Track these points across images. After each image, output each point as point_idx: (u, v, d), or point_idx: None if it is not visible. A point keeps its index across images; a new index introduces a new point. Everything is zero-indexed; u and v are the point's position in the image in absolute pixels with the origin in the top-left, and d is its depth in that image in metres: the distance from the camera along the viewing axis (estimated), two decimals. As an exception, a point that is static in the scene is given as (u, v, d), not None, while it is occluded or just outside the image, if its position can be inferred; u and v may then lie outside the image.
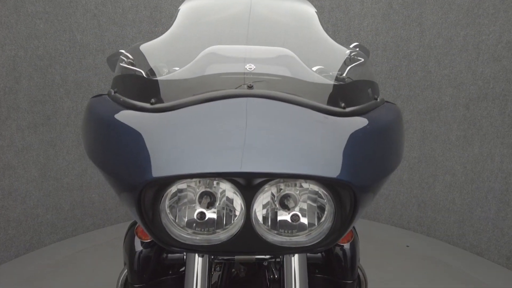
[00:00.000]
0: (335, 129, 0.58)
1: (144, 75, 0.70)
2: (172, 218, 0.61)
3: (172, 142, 0.54)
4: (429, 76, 2.52)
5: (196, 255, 0.80)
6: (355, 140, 0.58)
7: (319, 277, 0.99)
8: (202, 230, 0.63)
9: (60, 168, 2.50)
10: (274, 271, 1.13)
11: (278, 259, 0.92)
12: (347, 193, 0.58)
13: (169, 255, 0.97)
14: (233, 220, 0.62)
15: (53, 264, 2.20)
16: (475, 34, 2.24)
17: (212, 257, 0.89)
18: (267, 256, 0.93)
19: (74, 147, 2.56)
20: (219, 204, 0.62)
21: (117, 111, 0.63)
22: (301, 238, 0.64)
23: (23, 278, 2.03)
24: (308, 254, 0.99)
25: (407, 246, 2.49)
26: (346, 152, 0.56)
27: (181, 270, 0.99)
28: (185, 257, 0.97)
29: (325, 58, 0.80)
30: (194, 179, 0.58)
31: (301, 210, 0.63)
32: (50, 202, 2.45)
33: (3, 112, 2.16)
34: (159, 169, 0.53)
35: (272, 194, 0.63)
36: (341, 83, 0.72)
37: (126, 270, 0.96)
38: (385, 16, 2.71)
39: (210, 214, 0.61)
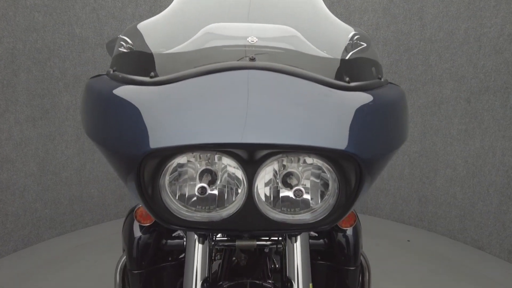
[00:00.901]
0: (340, 102, 0.57)
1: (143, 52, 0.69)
2: (172, 195, 0.60)
3: (172, 114, 0.53)
4: (430, 70, 2.51)
5: (196, 241, 0.79)
6: (360, 113, 0.56)
7: (322, 263, 0.98)
8: (203, 208, 0.61)
9: (59, 162, 2.48)
10: (275, 261, 1.11)
11: (279, 246, 0.91)
12: (352, 167, 0.56)
13: (169, 241, 0.95)
14: (235, 197, 0.61)
15: (51, 259, 2.18)
16: (477, 27, 2.23)
17: (213, 243, 0.88)
18: (268, 242, 0.91)
19: (73, 141, 2.55)
20: (220, 182, 0.61)
21: (116, 87, 0.62)
22: (304, 216, 0.62)
23: (22, 272, 2.01)
24: (310, 240, 0.98)
25: (408, 240, 2.48)
26: (351, 124, 0.54)
27: (180, 257, 0.98)
28: (185, 243, 0.96)
29: (329, 37, 0.79)
30: (194, 153, 0.57)
31: (304, 187, 0.62)
32: (48, 197, 2.44)
33: (1, 105, 2.14)
34: (158, 140, 0.51)
35: (275, 172, 0.61)
36: (346, 58, 0.70)
37: (124, 257, 0.95)
38: (386, 10, 2.70)
39: (211, 191, 0.59)
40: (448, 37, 2.39)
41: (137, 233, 0.93)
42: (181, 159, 0.57)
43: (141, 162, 0.53)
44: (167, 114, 0.53)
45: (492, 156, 2.20)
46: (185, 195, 0.61)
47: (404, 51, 2.64)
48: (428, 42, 2.51)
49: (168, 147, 0.51)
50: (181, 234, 0.97)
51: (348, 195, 0.59)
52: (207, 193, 0.57)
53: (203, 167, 0.59)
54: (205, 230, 0.64)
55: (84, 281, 1.92)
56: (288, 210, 0.62)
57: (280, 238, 0.89)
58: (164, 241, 0.95)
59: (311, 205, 0.62)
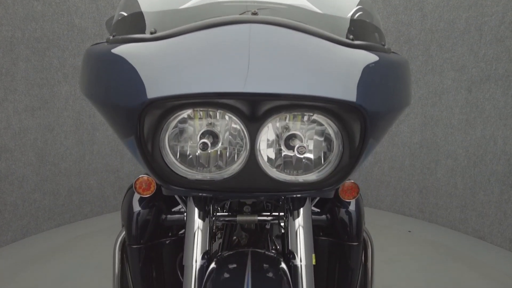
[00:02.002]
0: (345, 56, 0.55)
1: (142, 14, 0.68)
2: (173, 154, 0.59)
3: (172, 65, 0.52)
4: (431, 60, 2.50)
5: (196, 216, 0.78)
6: (366, 68, 0.55)
7: (324, 239, 0.96)
8: (205, 169, 0.60)
9: (58, 153, 2.46)
10: (276, 243, 1.10)
11: (281, 221, 0.89)
12: (356, 124, 0.55)
13: (168, 216, 0.94)
14: (236, 157, 0.60)
15: (50, 249, 2.16)
16: (478, 15, 2.22)
17: (213, 218, 0.86)
18: (270, 218, 0.90)
19: (72, 132, 2.53)
20: (221, 143, 0.59)
21: (115, 47, 0.61)
22: (307, 177, 0.61)
23: (20, 262, 2.00)
24: (312, 216, 0.96)
25: (409, 231, 2.46)
26: (357, 77, 0.53)
27: (180, 232, 0.96)
28: (185, 218, 0.95)
29: (335, 2, 0.77)
30: (195, 109, 0.55)
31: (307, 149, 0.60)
32: (47, 187, 2.42)
33: (0, 94, 2.13)
34: (158, 90, 0.50)
35: (277, 134, 0.60)
36: (350, 18, 0.69)
37: (123, 232, 0.93)
38: (386, 1, 2.69)
39: (213, 149, 0.58)
40: (449, 27, 2.38)
41: (137, 208, 0.92)
42: (182, 115, 0.56)
43: (141, 114, 0.52)
44: (167, 65, 0.52)
45: (493, 145, 2.19)
46: (186, 154, 0.59)
47: (405, 42, 2.64)
48: (429, 32, 2.50)
49: (168, 96, 0.49)
50: (181, 210, 0.95)
51: (351, 154, 0.58)
52: (208, 149, 0.55)
53: (204, 128, 0.58)
54: (206, 191, 0.62)
55: (82, 270, 1.90)
56: (291, 171, 0.61)
57: (281, 214, 0.88)
58: (163, 216, 0.93)
59: (314, 165, 0.61)
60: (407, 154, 2.70)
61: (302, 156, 0.59)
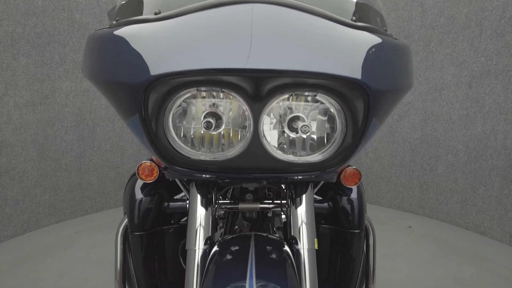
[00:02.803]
0: (348, 36, 0.55)
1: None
2: (176, 134, 0.59)
3: (176, 43, 0.52)
4: (431, 56, 2.51)
5: (199, 203, 0.78)
6: (370, 48, 0.55)
7: (326, 227, 0.96)
8: (208, 150, 0.60)
9: (59, 148, 2.46)
10: (277, 233, 1.10)
11: (283, 209, 0.89)
12: (360, 103, 0.55)
13: (171, 204, 0.94)
14: (240, 138, 0.60)
15: (50, 243, 2.16)
16: (478, 11, 2.23)
17: (216, 206, 0.86)
18: (272, 206, 0.90)
19: (73, 128, 2.53)
20: (225, 125, 0.59)
21: (119, 29, 0.61)
22: (310, 158, 0.61)
23: (21, 256, 2.00)
24: (314, 204, 0.97)
25: (410, 226, 2.47)
26: (361, 56, 0.53)
27: (182, 220, 0.97)
28: (187, 206, 0.95)
29: None
30: (199, 89, 0.56)
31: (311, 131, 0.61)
32: (48, 183, 2.42)
33: (0, 89, 2.13)
34: (162, 67, 0.50)
35: (280, 116, 0.60)
36: (354, 1, 0.69)
37: (126, 220, 0.93)
38: (387, -3, 2.69)
39: (217, 130, 0.58)
40: (449, 22, 2.39)
41: (139, 195, 0.92)
42: (186, 95, 0.56)
43: (145, 91, 0.52)
44: (170, 43, 0.52)
45: (494, 140, 2.19)
46: (190, 135, 0.59)
47: (405, 38, 2.64)
48: (429, 28, 2.50)
49: (171, 72, 0.50)
50: (184, 198, 0.96)
51: (355, 134, 0.59)
52: (212, 128, 0.56)
53: (208, 110, 0.58)
54: (209, 173, 0.62)
55: (83, 265, 1.90)
56: (295, 153, 0.62)
57: (283, 202, 0.88)
58: (166, 204, 0.93)
59: (317, 146, 0.61)
60: (407, 150, 2.70)
61: (305, 136, 0.59)
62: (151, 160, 0.85)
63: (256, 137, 0.58)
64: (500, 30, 2.12)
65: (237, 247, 0.66)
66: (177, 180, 0.90)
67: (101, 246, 2.13)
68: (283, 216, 1.09)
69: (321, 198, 0.98)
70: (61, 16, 2.40)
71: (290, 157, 0.60)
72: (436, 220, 2.57)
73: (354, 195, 0.96)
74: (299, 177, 0.65)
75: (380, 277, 1.80)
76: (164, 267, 0.95)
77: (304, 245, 0.72)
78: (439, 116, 2.49)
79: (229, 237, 0.73)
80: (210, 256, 0.67)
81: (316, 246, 0.74)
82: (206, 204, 0.77)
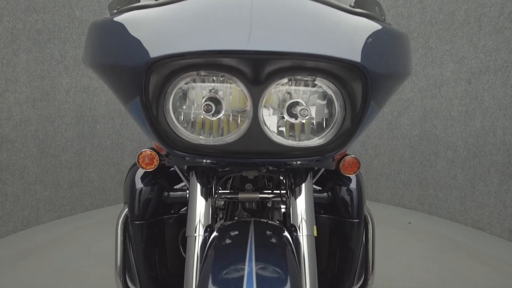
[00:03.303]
0: (347, 21, 0.56)
1: None
2: (177, 119, 0.60)
3: (176, 26, 0.52)
4: (430, 52, 2.51)
5: (199, 192, 0.78)
6: (367, 32, 0.56)
7: (325, 217, 0.97)
8: (208, 135, 0.61)
9: (59, 145, 2.47)
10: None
11: (283, 199, 0.90)
12: (358, 85, 0.56)
13: (171, 193, 0.95)
14: (239, 123, 0.60)
15: (51, 239, 2.17)
16: (477, 7, 2.23)
17: (216, 195, 0.87)
18: (271, 195, 0.91)
19: (73, 125, 2.54)
20: (225, 111, 0.60)
21: (120, 15, 0.61)
22: (309, 142, 0.62)
23: (21, 252, 2.00)
24: (314, 194, 0.97)
25: (409, 223, 2.47)
26: (359, 39, 0.54)
27: (182, 210, 0.97)
28: (188, 195, 0.96)
29: None
30: (198, 73, 0.56)
31: (310, 117, 0.61)
32: (48, 179, 2.43)
33: (1, 85, 2.14)
34: (161, 49, 0.51)
35: (279, 102, 0.61)
36: None
37: (126, 209, 0.94)
38: (386, -6, 2.70)
39: (217, 116, 0.59)
40: (448, 19, 2.39)
41: (139, 185, 0.92)
42: (186, 79, 0.57)
43: (146, 74, 0.53)
44: (170, 26, 0.53)
45: (493, 136, 2.20)
46: (190, 120, 0.60)
47: (404, 35, 2.65)
48: (428, 25, 2.51)
49: (171, 54, 0.50)
50: (184, 187, 0.96)
51: (353, 118, 0.59)
52: (212, 111, 0.56)
53: (207, 95, 0.59)
54: (209, 157, 0.63)
55: (83, 260, 1.91)
56: (294, 137, 0.62)
57: (282, 192, 0.89)
58: (166, 193, 0.94)
59: (316, 131, 0.62)
60: (407, 146, 2.71)
61: (304, 120, 0.60)
62: (152, 149, 0.86)
63: (256, 121, 0.59)
64: (499, 26, 2.13)
65: (236, 232, 0.67)
66: (177, 169, 0.91)
67: (102, 242, 2.13)
68: (283, 209, 1.10)
69: (320, 188, 0.98)
70: (62, 12, 2.41)
71: (289, 142, 0.61)
72: (435, 217, 2.58)
73: (353, 185, 0.97)
74: (298, 162, 0.66)
75: (379, 271, 1.80)
76: (164, 257, 0.95)
77: (303, 232, 0.73)
78: (438, 113, 2.50)
79: (229, 223, 0.74)
80: (209, 242, 0.67)
81: (315, 233, 0.75)
82: (206, 193, 0.78)
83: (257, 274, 0.56)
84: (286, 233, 0.69)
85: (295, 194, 0.79)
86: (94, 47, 0.63)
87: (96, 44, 0.63)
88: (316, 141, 0.61)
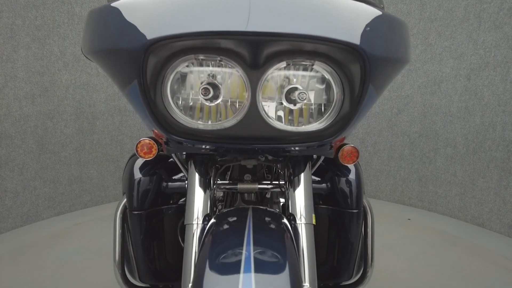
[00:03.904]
0: (347, 5, 0.56)
1: None
2: (175, 104, 0.59)
3: (173, 8, 0.52)
4: (430, 49, 2.51)
5: (197, 181, 0.78)
6: (367, 17, 0.56)
7: (324, 207, 0.97)
8: (206, 120, 0.61)
9: (58, 141, 2.47)
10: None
11: (282, 189, 0.90)
12: (357, 68, 0.56)
13: (170, 184, 0.95)
14: (237, 107, 0.60)
15: (50, 235, 2.17)
16: (476, 3, 2.23)
17: (214, 186, 0.87)
18: (270, 186, 0.91)
19: (72, 121, 2.54)
20: (223, 96, 0.60)
21: (117, 1, 0.61)
22: (308, 128, 0.62)
23: (20, 247, 2.00)
24: (313, 184, 0.97)
25: (409, 219, 2.47)
26: (358, 23, 0.54)
27: (181, 200, 0.97)
28: (186, 185, 0.95)
29: None
30: (196, 57, 0.56)
31: (308, 102, 0.61)
32: (47, 175, 2.43)
33: (0, 80, 2.13)
34: (159, 31, 0.51)
35: (278, 88, 0.61)
36: None
37: (125, 199, 0.94)
38: (386, -10, 2.70)
39: (215, 101, 0.59)
40: (448, 15, 2.39)
41: (138, 175, 0.92)
42: (184, 63, 0.57)
43: (144, 56, 0.52)
44: (168, 8, 0.53)
45: (492, 132, 2.20)
46: (188, 105, 0.60)
47: (404, 31, 2.64)
48: (428, 21, 2.51)
49: (168, 35, 0.50)
50: (183, 178, 0.96)
51: (352, 102, 0.59)
52: (210, 94, 0.56)
53: (206, 81, 0.59)
54: (208, 143, 0.63)
55: (82, 255, 1.91)
56: (292, 122, 0.62)
57: (281, 182, 0.89)
58: (164, 184, 0.94)
59: (315, 117, 0.62)
60: (406, 143, 2.71)
61: (303, 106, 0.60)
62: (151, 138, 0.86)
63: (254, 106, 0.59)
64: (498, 21, 2.13)
65: (234, 218, 0.67)
66: (176, 160, 0.90)
67: (102, 237, 2.13)
68: (282, 202, 1.10)
69: (319, 179, 0.98)
70: (61, 9, 2.40)
71: (288, 127, 0.61)
72: (435, 213, 2.58)
73: (352, 175, 0.97)
74: (297, 148, 0.66)
75: (379, 266, 1.80)
76: (163, 248, 0.95)
77: (302, 220, 0.73)
78: (438, 109, 2.50)
79: (227, 210, 0.73)
80: (207, 228, 0.67)
81: (313, 222, 0.75)
82: (204, 183, 0.77)
83: (255, 259, 0.55)
84: (285, 220, 0.69)
85: (294, 184, 0.79)
86: (92, 33, 0.63)
87: (94, 30, 0.62)
88: (314, 126, 0.61)
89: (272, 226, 0.65)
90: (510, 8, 2.07)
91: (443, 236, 2.19)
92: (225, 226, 0.65)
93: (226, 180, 1.04)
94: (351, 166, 0.99)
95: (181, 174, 0.97)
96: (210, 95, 0.57)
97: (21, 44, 2.22)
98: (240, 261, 0.55)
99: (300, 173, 0.80)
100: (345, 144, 0.87)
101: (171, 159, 0.99)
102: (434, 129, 2.54)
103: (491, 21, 2.16)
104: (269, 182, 0.91)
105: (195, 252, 0.68)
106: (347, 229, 0.95)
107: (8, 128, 2.19)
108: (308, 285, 0.67)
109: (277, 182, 0.90)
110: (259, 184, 0.90)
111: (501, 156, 2.16)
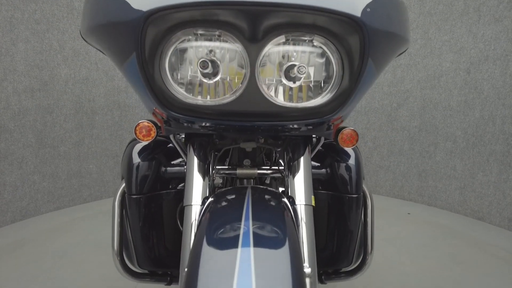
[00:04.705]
0: None
1: None
2: (173, 79, 0.59)
3: None
4: (429, 43, 2.51)
5: (196, 165, 0.78)
6: None
7: (324, 193, 0.97)
8: (205, 96, 0.61)
9: (57, 135, 2.46)
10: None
11: (282, 173, 0.89)
12: (356, 41, 0.55)
13: (168, 169, 0.94)
14: (236, 82, 0.60)
15: (50, 229, 2.16)
16: (476, -4, 2.23)
17: (213, 171, 0.86)
18: (269, 171, 0.91)
19: (72, 116, 2.53)
20: (221, 73, 0.60)
21: None
22: (307, 103, 0.61)
23: (20, 240, 2.00)
24: (312, 170, 0.97)
25: (408, 213, 2.47)
26: None
27: (180, 186, 0.97)
28: (185, 170, 0.95)
29: None
30: (195, 31, 0.56)
31: (307, 80, 0.61)
32: (47, 170, 2.42)
33: (-1, 74, 2.13)
34: (158, 1, 0.50)
35: (277, 65, 0.60)
36: None
37: (123, 184, 0.93)
38: (385, -15, 2.70)
39: (214, 78, 0.58)
40: (447, 9, 2.39)
41: (136, 159, 0.92)
42: (182, 38, 0.56)
43: (143, 27, 0.52)
44: None
45: (492, 125, 2.20)
46: (187, 80, 0.60)
47: (404, 26, 2.64)
48: (427, 16, 2.51)
49: (166, 6, 0.50)
50: (182, 163, 0.96)
51: (351, 76, 0.59)
52: (209, 67, 0.56)
53: (204, 57, 0.58)
54: (206, 120, 0.62)
55: (81, 248, 1.90)
56: (292, 97, 0.62)
57: (281, 168, 0.89)
58: (163, 169, 0.94)
59: (314, 94, 0.62)
60: (406, 138, 2.71)
61: (302, 83, 0.60)
62: (150, 121, 0.85)
63: (253, 81, 0.58)
64: (498, 15, 2.13)
65: (233, 196, 0.66)
66: (175, 143, 0.90)
67: (101, 231, 2.13)
68: (281, 190, 1.10)
69: (318, 164, 0.98)
70: (60, 3, 2.40)
71: (287, 103, 0.61)
72: (435, 208, 2.58)
73: (351, 161, 0.96)
74: (296, 126, 0.65)
75: (379, 258, 1.80)
76: (162, 234, 0.95)
77: (301, 201, 0.72)
78: (437, 104, 2.50)
79: (225, 189, 0.73)
80: (205, 207, 0.67)
81: (313, 203, 0.74)
82: (203, 168, 0.77)
83: (254, 233, 0.55)
84: (284, 199, 0.69)
85: (293, 168, 0.78)
86: (91, 10, 0.63)
87: (92, 7, 0.62)
88: (314, 102, 0.61)
89: (272, 203, 0.65)
90: (510, 1, 2.07)
91: (443, 229, 2.19)
92: (223, 203, 0.64)
93: (226, 164, 1.03)
94: (350, 152, 0.98)
95: (180, 159, 0.97)
96: (209, 69, 0.56)
97: (20, 38, 2.21)
98: (238, 235, 0.54)
99: (300, 157, 0.79)
100: (344, 127, 0.86)
101: (170, 145, 0.99)
102: (433, 124, 2.53)
103: (490, 14, 2.16)
104: (269, 167, 0.91)
105: (194, 234, 0.68)
106: (347, 215, 0.95)
107: (7, 122, 2.18)
108: (307, 265, 0.67)
109: (277, 168, 0.89)
110: (259, 169, 0.90)
111: (500, 150, 2.16)
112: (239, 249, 0.52)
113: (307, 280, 0.62)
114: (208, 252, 0.53)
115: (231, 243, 0.53)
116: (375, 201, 2.76)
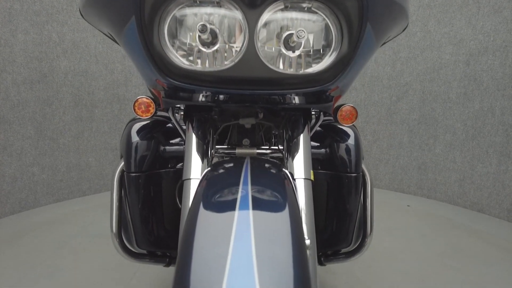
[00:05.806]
0: None
1: None
2: (172, 46, 0.59)
3: None
4: (429, 35, 2.51)
5: (194, 144, 0.77)
6: None
7: (323, 172, 0.97)
8: (203, 63, 0.61)
9: (57, 128, 2.46)
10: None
11: (282, 152, 0.89)
12: (354, 5, 0.55)
13: (167, 147, 0.94)
14: (235, 52, 0.60)
15: (48, 220, 2.16)
16: (475, -12, 2.23)
17: (212, 150, 0.86)
18: (269, 151, 0.90)
19: (71, 108, 2.53)
20: (220, 42, 0.59)
21: None
22: (307, 70, 0.61)
23: (18, 231, 1.99)
24: (312, 150, 0.97)
25: (408, 205, 2.47)
26: None
27: (179, 165, 0.96)
28: (184, 148, 0.95)
29: None
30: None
31: (306, 50, 0.61)
32: (46, 162, 2.42)
33: (-2, 65, 2.13)
34: None
35: (276, 35, 0.60)
36: None
37: (122, 163, 0.93)
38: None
39: (212, 47, 0.58)
40: (447, 1, 2.39)
41: (135, 138, 0.92)
42: (180, 4, 0.56)
43: None
44: None
45: (491, 117, 2.20)
46: (186, 47, 0.60)
47: (403, 19, 2.64)
48: (427, 8, 2.51)
49: None
50: (181, 142, 0.96)
51: (350, 42, 0.59)
52: (208, 30, 0.56)
53: (201, 23, 0.58)
54: (205, 87, 0.62)
55: (80, 238, 1.90)
56: (291, 65, 0.62)
57: (281, 148, 0.88)
58: (162, 148, 0.93)
59: (313, 61, 0.61)
60: (405, 131, 2.71)
61: (301, 50, 0.59)
62: (148, 97, 0.85)
63: (252, 47, 0.58)
64: (497, 6, 2.13)
65: (231, 164, 0.66)
66: (173, 120, 0.90)
67: (100, 222, 2.12)
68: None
69: (318, 144, 0.98)
70: (60, -5, 2.40)
71: (286, 70, 0.60)
72: (434, 200, 2.58)
73: (351, 140, 0.96)
74: (295, 95, 0.65)
75: (379, 247, 1.80)
76: (161, 214, 0.95)
77: (300, 176, 0.72)
78: (437, 96, 2.50)
79: (223, 160, 0.73)
80: (202, 176, 0.66)
81: (312, 177, 0.74)
82: (202, 146, 0.77)
83: (253, 197, 0.55)
84: (284, 170, 0.69)
85: (293, 146, 0.78)
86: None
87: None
88: (313, 68, 0.61)
89: (272, 171, 0.65)
90: (509, -9, 2.07)
91: (443, 220, 2.19)
92: (221, 171, 0.64)
93: (225, 144, 1.03)
94: (349, 131, 0.98)
95: (179, 139, 0.96)
96: (207, 34, 0.56)
97: (20, 29, 2.21)
98: (235, 199, 0.54)
99: (299, 135, 0.79)
100: (343, 104, 0.86)
101: (169, 125, 0.99)
102: (433, 116, 2.53)
103: (490, 6, 2.16)
104: (268, 147, 0.91)
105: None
106: (346, 195, 0.95)
107: (7, 113, 2.18)
108: (307, 237, 0.67)
109: (276, 147, 0.89)
110: (258, 149, 0.90)
111: (500, 141, 2.16)
112: (237, 212, 0.52)
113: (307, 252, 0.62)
114: (204, 215, 0.52)
115: (229, 206, 0.53)
116: (375, 194, 2.76)
